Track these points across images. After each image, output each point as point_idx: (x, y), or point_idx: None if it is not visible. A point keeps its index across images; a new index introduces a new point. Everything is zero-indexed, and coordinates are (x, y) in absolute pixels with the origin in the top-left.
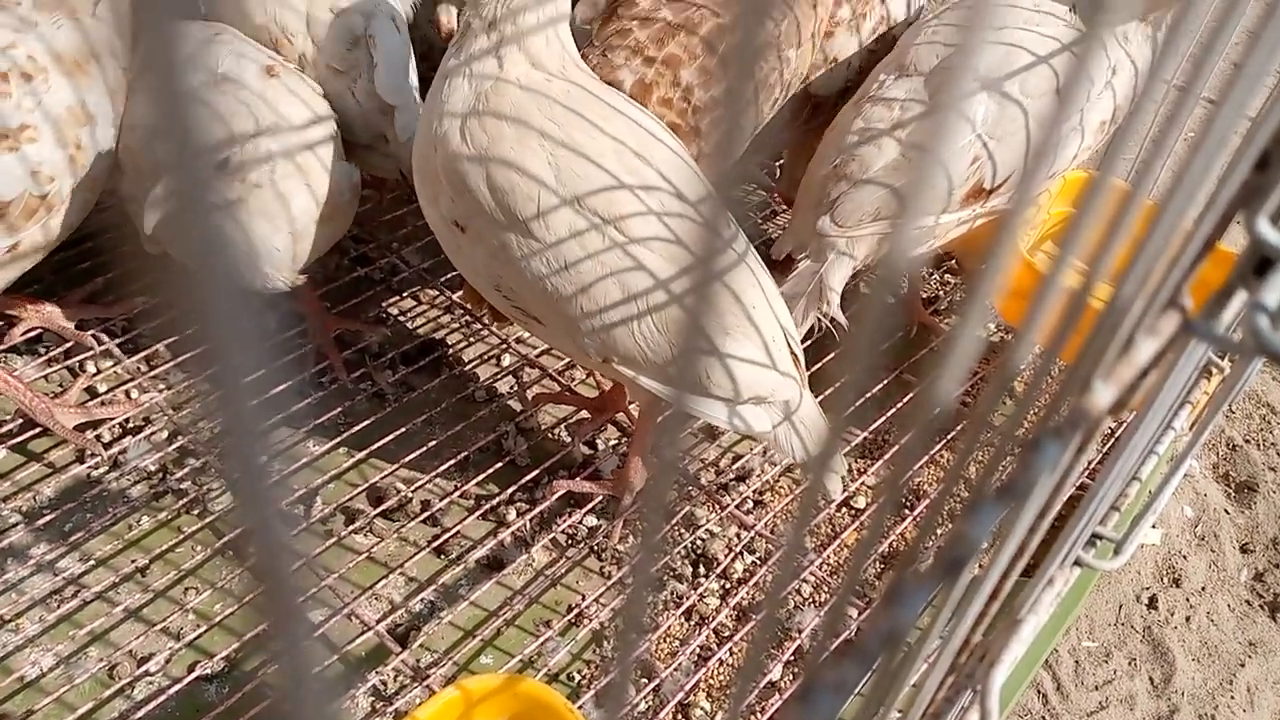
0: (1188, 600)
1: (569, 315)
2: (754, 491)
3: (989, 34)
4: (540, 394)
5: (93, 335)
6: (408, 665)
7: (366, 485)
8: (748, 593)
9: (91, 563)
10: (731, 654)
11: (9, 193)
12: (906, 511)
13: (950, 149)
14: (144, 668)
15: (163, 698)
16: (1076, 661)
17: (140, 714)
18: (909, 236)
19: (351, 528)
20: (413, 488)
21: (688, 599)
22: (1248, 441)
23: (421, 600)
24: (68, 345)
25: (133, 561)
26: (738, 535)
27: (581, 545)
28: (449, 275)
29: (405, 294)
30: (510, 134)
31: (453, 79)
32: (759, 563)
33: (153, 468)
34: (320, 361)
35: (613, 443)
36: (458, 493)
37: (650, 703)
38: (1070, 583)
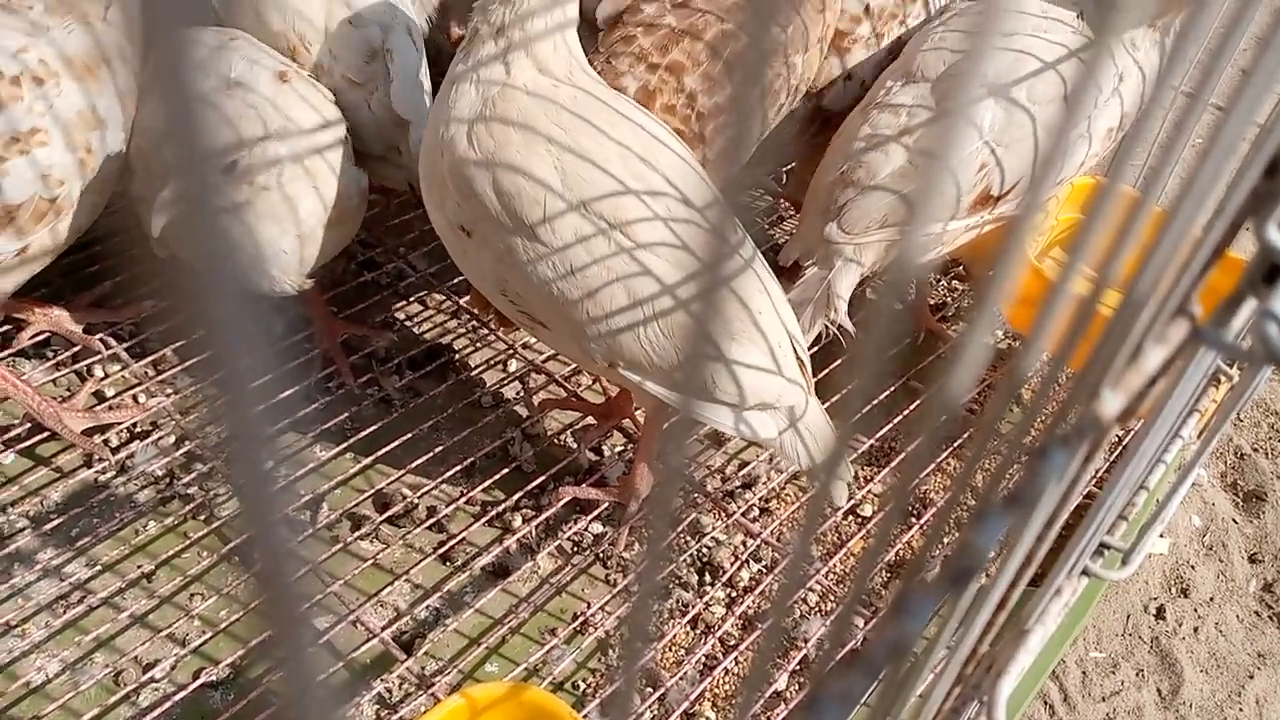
0: (1196, 611)
1: (575, 320)
2: (760, 499)
3: (996, 40)
4: (546, 400)
5: (100, 339)
6: (412, 673)
7: (373, 491)
8: (753, 601)
9: (98, 568)
10: (737, 663)
11: (19, 196)
12: (913, 520)
13: (958, 155)
14: (149, 674)
15: (168, 704)
16: (1084, 672)
17: None
18: (916, 243)
19: (358, 534)
20: (419, 493)
21: (693, 607)
22: (1256, 450)
23: (427, 607)
24: (75, 349)
25: (139, 567)
26: (743, 543)
27: (587, 552)
28: (456, 280)
29: (412, 299)
30: (517, 139)
31: (460, 84)
32: (765, 571)
33: (160, 472)
34: (327, 366)
35: (619, 449)
36: (464, 499)
37: (655, 712)
38: (1078, 593)
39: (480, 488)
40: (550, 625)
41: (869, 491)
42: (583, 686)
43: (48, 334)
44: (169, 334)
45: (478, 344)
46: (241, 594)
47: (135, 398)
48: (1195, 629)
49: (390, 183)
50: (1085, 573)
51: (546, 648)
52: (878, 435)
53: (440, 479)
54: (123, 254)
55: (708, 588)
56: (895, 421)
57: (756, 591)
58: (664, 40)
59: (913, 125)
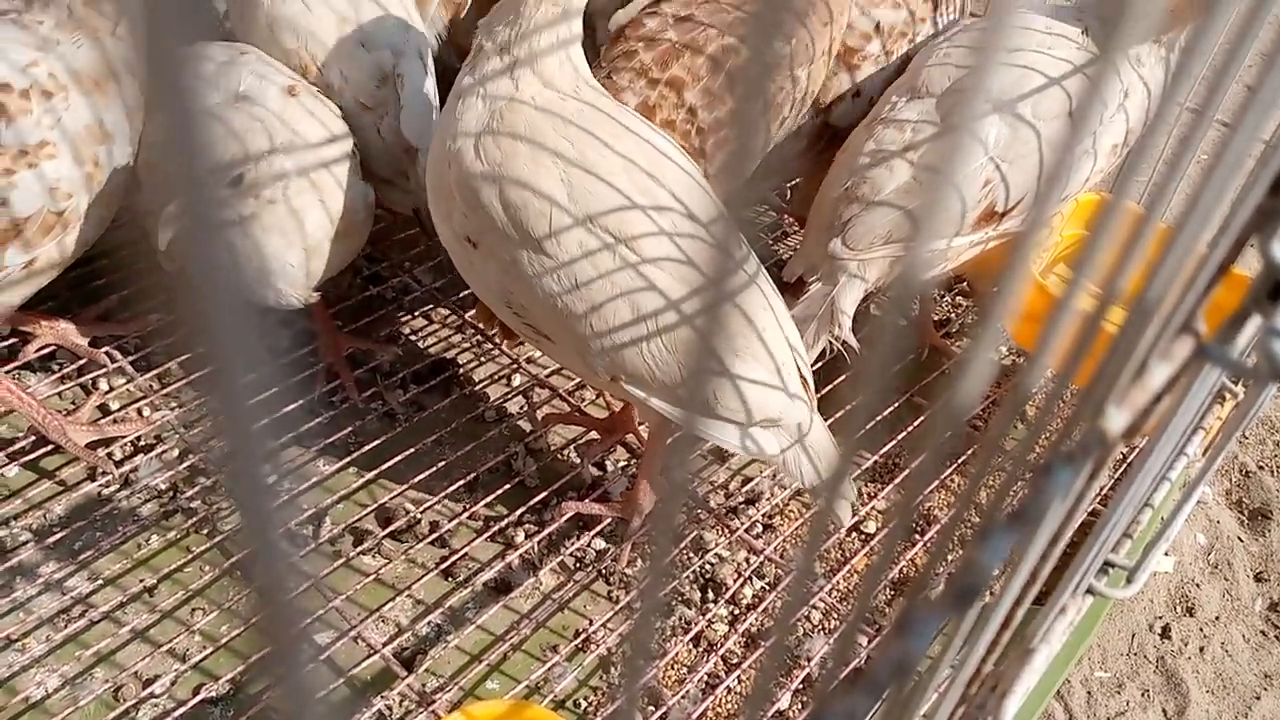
0: (1201, 630)
1: (579, 333)
2: (763, 515)
3: (1002, 56)
4: (550, 414)
5: (106, 352)
6: (413, 690)
7: (376, 506)
8: (756, 619)
9: (100, 582)
10: (740, 682)
11: (27, 209)
12: (917, 537)
13: (963, 171)
14: (149, 690)
15: None
16: (1089, 692)
17: None
18: (921, 259)
19: (360, 549)
20: (422, 508)
21: (696, 625)
22: (1261, 468)
23: (428, 623)
24: (81, 362)
25: (141, 581)
26: (747, 560)
27: (590, 569)
28: (461, 294)
29: (417, 313)
30: (524, 152)
31: (466, 98)
32: (768, 588)
33: (163, 486)
34: (331, 380)
35: (622, 464)
36: (466, 514)
37: None
38: (1082, 611)
39: (483, 503)
40: (552, 642)
41: (873, 508)
42: (584, 704)
43: (54, 347)
44: (174, 346)
45: (482, 358)
46: (242, 609)
47: (140, 411)
48: (1201, 649)
49: (396, 206)
50: (1090, 591)
51: (548, 665)
52: (882, 451)
53: (443, 494)
54: (129, 267)
55: (710, 605)
56: (899, 438)
57: (760, 609)
58: (664, 55)
59: (918, 141)
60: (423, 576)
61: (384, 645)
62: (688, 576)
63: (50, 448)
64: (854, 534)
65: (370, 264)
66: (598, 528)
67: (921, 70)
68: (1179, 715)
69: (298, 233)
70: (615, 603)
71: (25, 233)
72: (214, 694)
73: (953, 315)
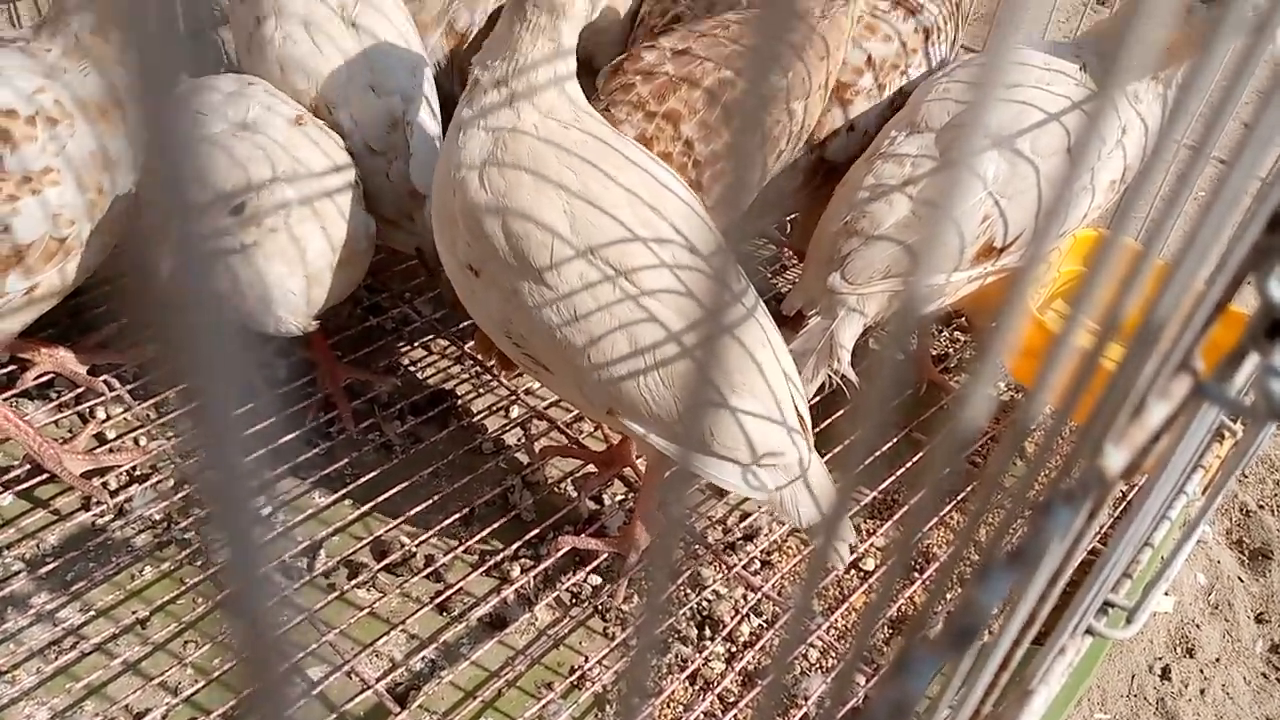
0: (1202, 671)
1: (577, 365)
2: (761, 551)
3: (1000, 92)
4: (548, 446)
5: (104, 380)
6: None
7: (371, 538)
8: (754, 657)
9: (92, 613)
10: None
11: (29, 235)
12: (916, 575)
13: (962, 207)
14: None
15: None
16: None
17: None
18: (920, 294)
19: (354, 582)
20: (417, 542)
21: (692, 662)
22: (1261, 507)
23: (422, 659)
24: (79, 390)
25: (134, 613)
26: (744, 597)
27: (585, 604)
28: (460, 325)
29: (417, 344)
30: (528, 182)
31: (468, 129)
32: (766, 625)
33: (157, 516)
34: (329, 411)
35: (619, 498)
36: (462, 547)
37: None
38: (1082, 652)
39: (479, 536)
40: (547, 679)
41: (871, 545)
42: None
43: (52, 374)
44: (168, 377)
45: (480, 390)
46: (230, 644)
47: (136, 440)
48: (1201, 690)
49: (400, 246)
50: (1090, 631)
51: (543, 702)
52: (880, 487)
53: (439, 527)
54: (130, 295)
55: (707, 642)
56: (898, 473)
57: (757, 647)
58: (661, 88)
59: (917, 176)
60: (417, 611)
61: (377, 680)
62: (684, 613)
63: (45, 476)
64: (852, 571)
65: (370, 294)
66: (594, 563)
67: (921, 105)
68: None
69: (299, 260)
70: (611, 639)
71: (27, 259)
72: None
73: (951, 350)
